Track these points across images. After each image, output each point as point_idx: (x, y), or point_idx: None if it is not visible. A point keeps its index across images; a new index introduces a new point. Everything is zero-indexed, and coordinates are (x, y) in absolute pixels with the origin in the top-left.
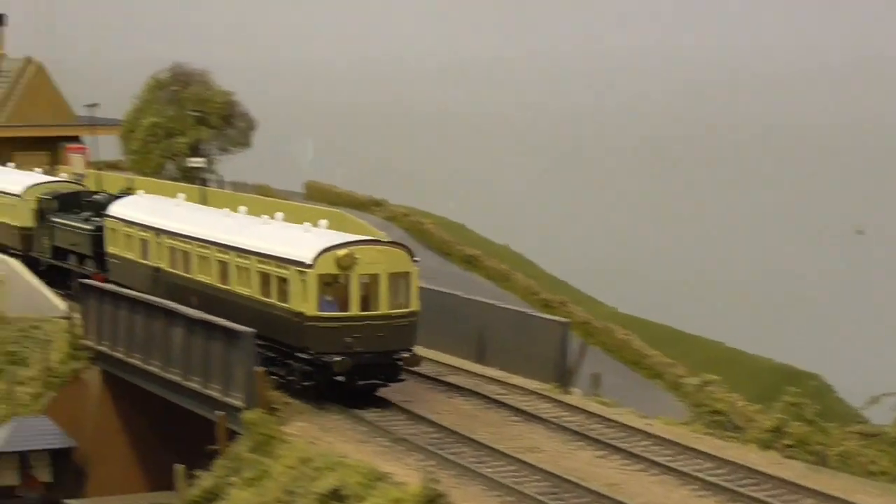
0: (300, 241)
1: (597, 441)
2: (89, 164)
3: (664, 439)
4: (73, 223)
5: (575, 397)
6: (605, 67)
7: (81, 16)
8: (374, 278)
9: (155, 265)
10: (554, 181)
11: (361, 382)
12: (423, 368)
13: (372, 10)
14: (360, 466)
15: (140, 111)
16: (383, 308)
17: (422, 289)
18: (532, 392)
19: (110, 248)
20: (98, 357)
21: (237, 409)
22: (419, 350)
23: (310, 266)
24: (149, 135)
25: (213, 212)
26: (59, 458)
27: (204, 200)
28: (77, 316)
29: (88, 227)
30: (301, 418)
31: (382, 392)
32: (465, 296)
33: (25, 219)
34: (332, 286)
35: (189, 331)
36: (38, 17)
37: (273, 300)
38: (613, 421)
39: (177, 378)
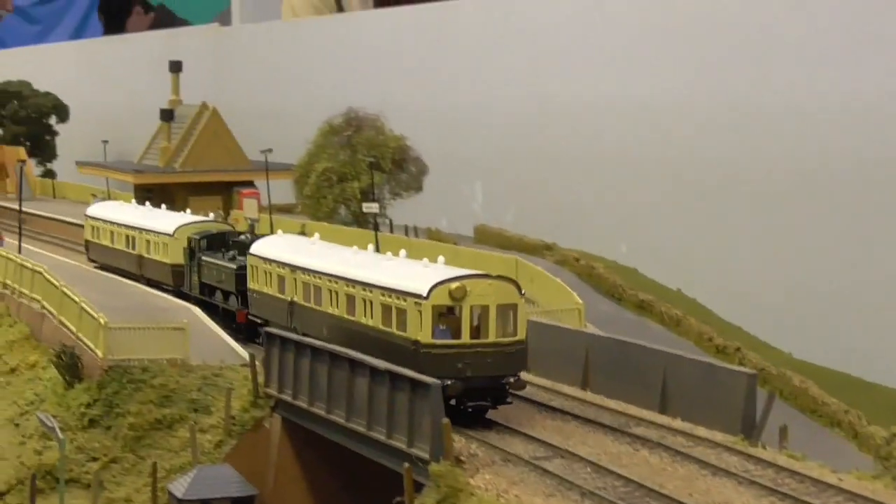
0: (418, 275)
1: (788, 496)
2: (262, 209)
3: (857, 495)
4: (219, 261)
5: (762, 450)
6: (783, 108)
7: (255, 61)
8: (484, 309)
9: (290, 299)
10: (726, 225)
11: (471, 404)
12: (608, 419)
13: (543, 52)
14: None
15: (313, 156)
16: (492, 336)
17: (604, 338)
18: (718, 444)
19: (251, 285)
20: (279, 405)
21: (423, 461)
22: (599, 399)
23: (425, 298)
24: (322, 179)
25: (343, 249)
26: None
27: (377, 246)
28: (259, 364)
29: (233, 265)
30: (487, 470)
31: (570, 444)
32: (648, 345)
33: (176, 256)
34: (446, 316)
35: (373, 381)
36: (213, 63)
37: (392, 329)
38: (803, 475)
39: (361, 428)
